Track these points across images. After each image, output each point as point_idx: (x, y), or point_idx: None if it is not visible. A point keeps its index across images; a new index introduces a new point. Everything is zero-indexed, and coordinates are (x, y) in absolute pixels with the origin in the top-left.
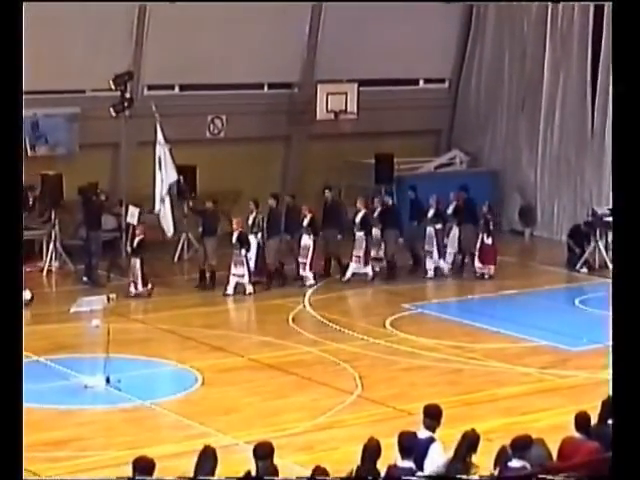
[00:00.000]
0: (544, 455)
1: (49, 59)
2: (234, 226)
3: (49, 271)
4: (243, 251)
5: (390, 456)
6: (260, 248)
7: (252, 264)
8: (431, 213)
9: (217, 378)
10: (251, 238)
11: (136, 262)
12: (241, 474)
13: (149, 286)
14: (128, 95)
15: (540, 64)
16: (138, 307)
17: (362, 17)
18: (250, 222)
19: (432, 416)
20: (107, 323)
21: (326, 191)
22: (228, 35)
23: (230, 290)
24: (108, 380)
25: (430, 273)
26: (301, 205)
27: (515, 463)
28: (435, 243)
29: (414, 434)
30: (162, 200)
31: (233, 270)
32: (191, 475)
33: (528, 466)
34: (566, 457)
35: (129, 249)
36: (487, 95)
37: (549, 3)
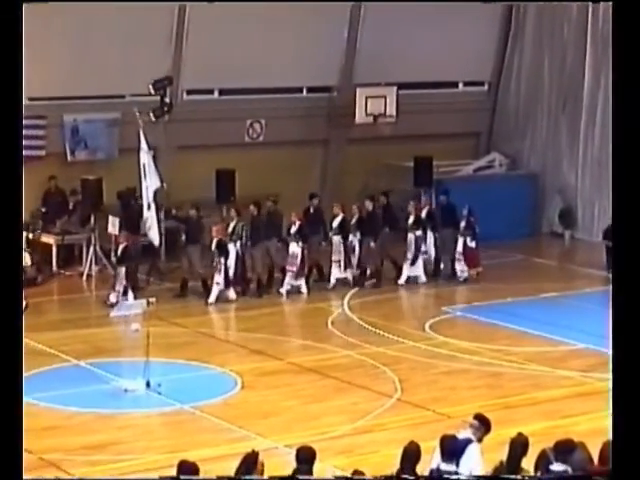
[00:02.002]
0: (585, 459)
1: (89, 65)
2: (213, 233)
3: (89, 275)
4: (222, 259)
5: (429, 460)
6: (239, 257)
7: (232, 272)
8: (411, 220)
9: (257, 382)
10: (230, 247)
11: (121, 271)
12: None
13: (130, 295)
14: (167, 100)
15: (581, 66)
16: (178, 311)
17: (401, 20)
18: (230, 230)
19: (482, 424)
20: (147, 327)
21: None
22: (267, 39)
23: (212, 299)
24: (148, 384)
25: (402, 280)
26: (282, 210)
27: (557, 467)
28: (413, 249)
29: (453, 437)
30: (148, 207)
31: (215, 278)
32: None
33: (570, 470)
34: (607, 461)
35: (113, 259)
36: (527, 97)
37: (589, 3)
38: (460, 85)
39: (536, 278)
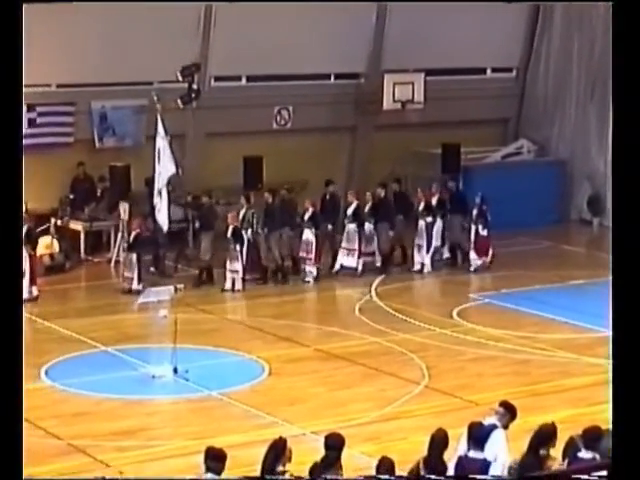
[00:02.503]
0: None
1: (117, 52)
2: (229, 221)
3: (117, 262)
4: (237, 246)
5: (456, 447)
6: (250, 244)
7: (244, 260)
8: (422, 206)
9: (284, 368)
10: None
11: (132, 257)
12: (307, 464)
13: (141, 285)
14: (195, 87)
15: (609, 52)
16: (205, 297)
17: (429, 6)
18: (240, 217)
19: (508, 411)
20: (174, 313)
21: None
22: (294, 26)
23: (228, 286)
24: (176, 370)
25: (417, 267)
26: (302, 198)
27: (585, 454)
28: (425, 236)
29: (480, 423)
30: (159, 193)
31: (229, 266)
32: (258, 465)
33: (598, 457)
34: None
35: (125, 245)
36: (555, 84)
37: None
38: (488, 71)
39: (564, 265)
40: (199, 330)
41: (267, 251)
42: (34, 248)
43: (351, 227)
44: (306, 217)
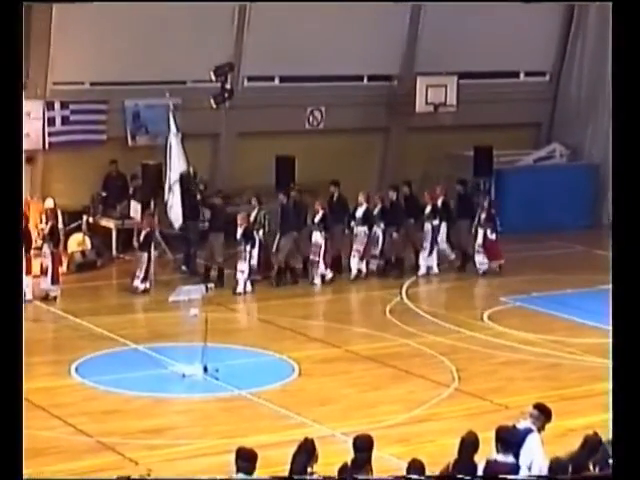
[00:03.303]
0: None
1: (150, 51)
2: (239, 222)
3: None
4: (248, 247)
5: (487, 451)
6: (262, 245)
7: (255, 261)
8: (428, 209)
9: (314, 369)
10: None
11: (142, 256)
12: (336, 465)
13: (147, 284)
14: (228, 86)
15: None
16: (236, 297)
17: (463, 9)
18: (252, 219)
19: (542, 412)
20: (205, 312)
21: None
22: (328, 27)
23: (240, 288)
24: (206, 369)
25: (422, 270)
26: (307, 200)
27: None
28: (430, 239)
29: (513, 427)
30: (170, 189)
31: (239, 267)
32: (287, 465)
33: None
34: None
35: (135, 244)
36: (588, 88)
37: None
38: (521, 75)
39: (596, 270)
40: (230, 329)
41: (277, 252)
42: (57, 245)
43: (360, 230)
44: (316, 219)
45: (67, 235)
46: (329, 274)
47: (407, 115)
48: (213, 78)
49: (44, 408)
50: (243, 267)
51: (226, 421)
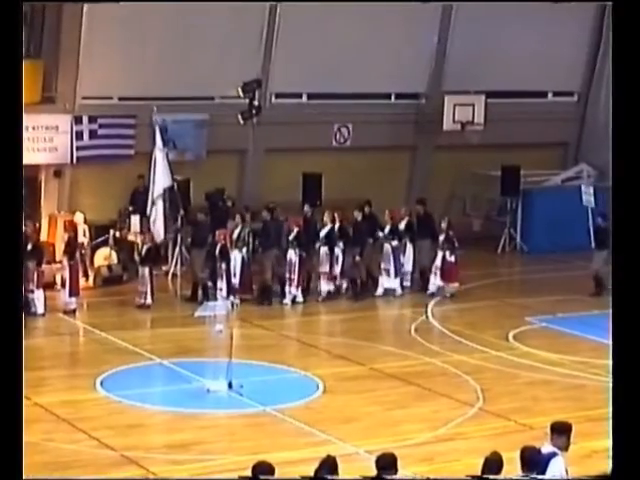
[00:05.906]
0: None
1: (179, 66)
2: (217, 238)
3: (174, 275)
4: (223, 265)
5: (511, 471)
6: (245, 263)
7: (237, 280)
8: (387, 229)
9: (339, 386)
10: (236, 252)
11: (144, 271)
12: None
13: (149, 299)
14: (256, 103)
15: None
16: (262, 313)
17: (491, 28)
18: (235, 236)
19: (561, 432)
20: (230, 328)
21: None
22: (356, 45)
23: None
24: (230, 385)
25: (380, 291)
26: (282, 218)
27: None
28: (392, 260)
29: (538, 449)
30: (153, 203)
31: (218, 284)
32: None
33: None
34: None
35: (137, 258)
36: None
37: None
38: (549, 95)
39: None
40: (255, 345)
41: (260, 270)
42: (73, 258)
43: (322, 250)
44: (291, 237)
45: (94, 249)
46: (299, 295)
47: (434, 133)
48: (241, 94)
49: (69, 421)
50: (221, 285)
51: (250, 437)
